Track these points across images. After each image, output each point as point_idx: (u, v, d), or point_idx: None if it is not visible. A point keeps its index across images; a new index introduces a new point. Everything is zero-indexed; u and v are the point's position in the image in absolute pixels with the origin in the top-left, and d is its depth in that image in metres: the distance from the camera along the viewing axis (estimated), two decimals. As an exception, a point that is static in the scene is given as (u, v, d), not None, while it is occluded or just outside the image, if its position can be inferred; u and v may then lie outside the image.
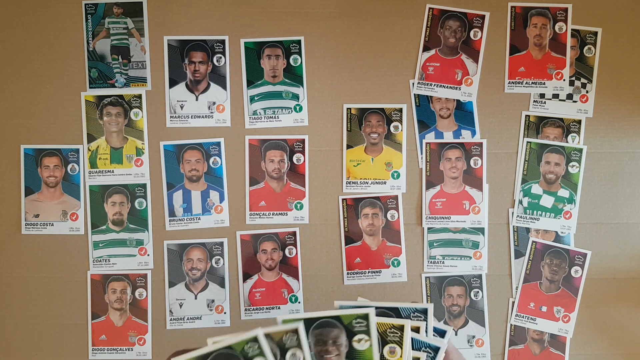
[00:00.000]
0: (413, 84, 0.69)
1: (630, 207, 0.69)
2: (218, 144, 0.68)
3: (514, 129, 0.69)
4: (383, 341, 0.39)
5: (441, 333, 0.40)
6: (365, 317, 0.38)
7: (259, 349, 0.36)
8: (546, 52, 0.69)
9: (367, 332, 0.38)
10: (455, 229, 0.69)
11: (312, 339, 0.38)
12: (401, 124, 0.69)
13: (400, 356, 0.38)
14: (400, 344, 0.38)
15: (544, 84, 0.69)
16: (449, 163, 0.69)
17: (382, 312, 0.40)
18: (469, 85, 0.69)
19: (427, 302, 0.66)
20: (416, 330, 0.39)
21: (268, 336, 0.37)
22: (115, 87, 0.68)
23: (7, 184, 0.68)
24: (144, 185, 0.68)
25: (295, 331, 0.37)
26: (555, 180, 0.69)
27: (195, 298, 0.68)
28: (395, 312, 0.40)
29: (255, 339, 0.36)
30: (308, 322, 0.38)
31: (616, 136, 0.69)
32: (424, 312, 0.40)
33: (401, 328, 0.38)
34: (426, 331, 0.39)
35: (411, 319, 0.40)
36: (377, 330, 0.38)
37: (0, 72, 0.68)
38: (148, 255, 0.68)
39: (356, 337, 0.38)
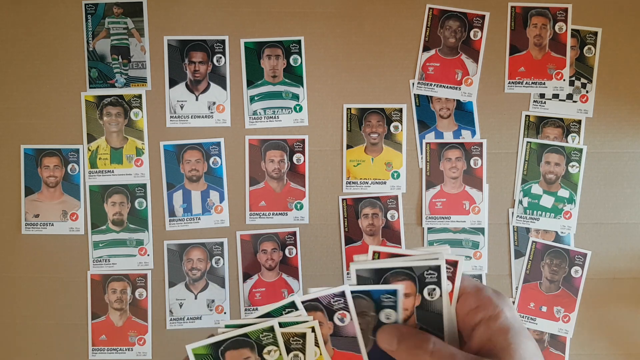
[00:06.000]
0: (413, 84, 0.69)
1: (630, 207, 0.69)
2: (218, 144, 0.68)
3: (514, 129, 0.69)
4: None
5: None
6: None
7: (274, 338, 0.36)
8: (546, 52, 0.69)
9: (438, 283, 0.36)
10: (455, 229, 0.69)
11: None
12: (401, 124, 0.69)
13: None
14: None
15: (544, 84, 0.69)
16: (449, 163, 0.69)
17: (398, 272, 0.37)
18: (469, 85, 0.69)
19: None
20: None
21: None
22: (115, 87, 0.68)
23: (7, 184, 0.68)
24: (144, 185, 0.68)
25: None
26: (555, 180, 0.69)
27: (195, 298, 0.68)
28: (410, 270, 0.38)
29: (271, 329, 0.36)
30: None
31: (616, 136, 0.69)
32: (437, 269, 0.37)
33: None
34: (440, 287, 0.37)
35: (425, 278, 0.37)
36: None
37: (0, 72, 0.68)
38: (148, 255, 0.68)
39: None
